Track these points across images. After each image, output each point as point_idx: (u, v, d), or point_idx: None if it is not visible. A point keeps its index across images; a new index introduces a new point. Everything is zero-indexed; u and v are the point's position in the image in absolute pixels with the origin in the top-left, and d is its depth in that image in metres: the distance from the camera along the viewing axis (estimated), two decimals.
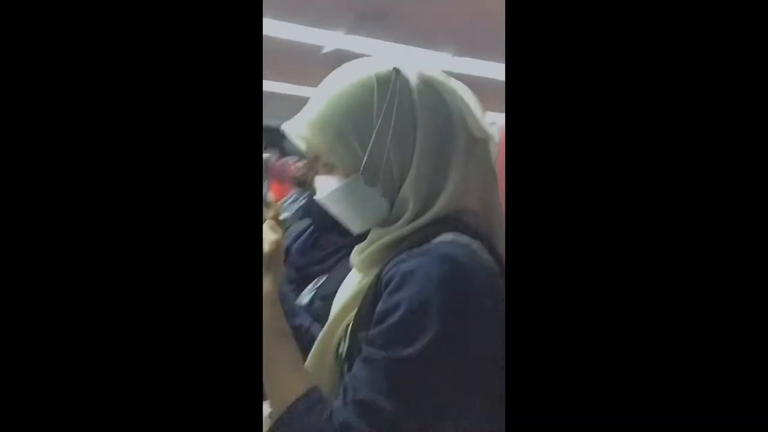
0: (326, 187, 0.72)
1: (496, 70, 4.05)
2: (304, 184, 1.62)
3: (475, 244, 0.66)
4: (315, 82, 0.74)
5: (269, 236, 0.71)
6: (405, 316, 0.59)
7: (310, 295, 1.22)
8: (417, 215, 0.69)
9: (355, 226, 0.74)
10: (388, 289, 0.62)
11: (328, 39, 3.83)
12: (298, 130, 0.71)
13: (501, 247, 0.69)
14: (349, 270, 0.78)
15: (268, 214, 0.73)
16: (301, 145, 0.74)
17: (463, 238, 0.66)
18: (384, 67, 0.71)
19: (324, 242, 1.31)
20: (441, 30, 3.52)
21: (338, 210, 0.73)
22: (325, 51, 3.96)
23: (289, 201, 1.78)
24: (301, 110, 0.72)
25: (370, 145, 0.68)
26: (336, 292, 0.77)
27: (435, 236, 0.66)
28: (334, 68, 0.73)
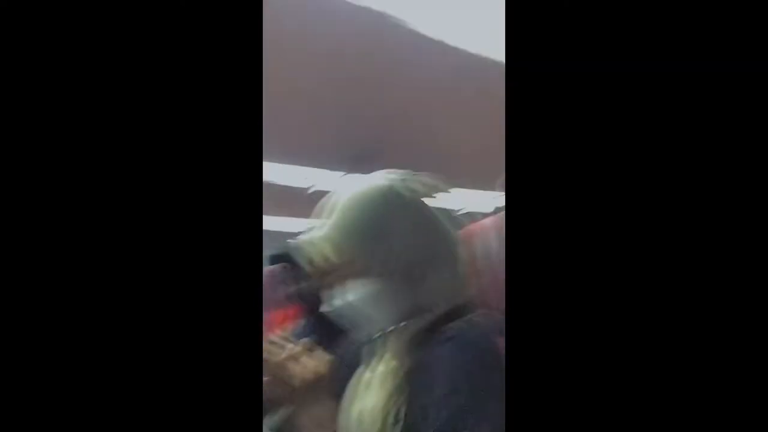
0: (350, 293, 0.78)
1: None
2: (308, 299, 1.55)
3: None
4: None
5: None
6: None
7: None
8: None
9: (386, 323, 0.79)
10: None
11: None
12: (321, 241, 0.78)
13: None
14: None
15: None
16: (319, 260, 0.79)
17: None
18: (379, 181, 0.82)
19: None
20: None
21: (368, 311, 0.78)
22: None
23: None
24: (313, 229, 0.80)
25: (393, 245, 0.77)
26: None
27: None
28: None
